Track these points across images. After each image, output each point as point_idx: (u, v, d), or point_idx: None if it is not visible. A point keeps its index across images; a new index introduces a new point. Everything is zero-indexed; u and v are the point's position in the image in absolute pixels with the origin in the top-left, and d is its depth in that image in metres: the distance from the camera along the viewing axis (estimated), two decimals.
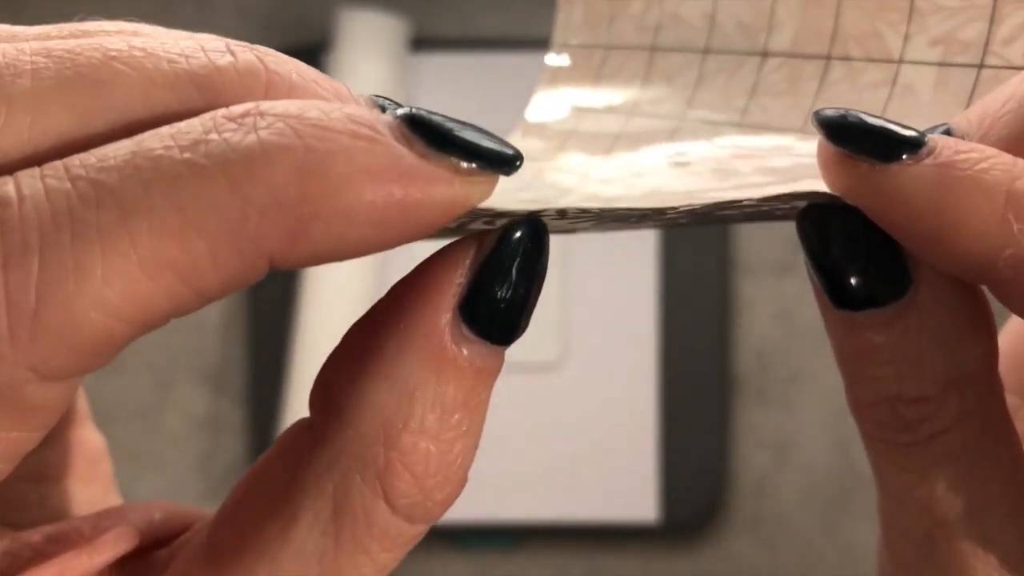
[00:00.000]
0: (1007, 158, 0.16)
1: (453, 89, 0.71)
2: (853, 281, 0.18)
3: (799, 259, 0.75)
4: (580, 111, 0.25)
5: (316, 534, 0.16)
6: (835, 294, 0.18)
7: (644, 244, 0.69)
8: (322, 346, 0.65)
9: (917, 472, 0.18)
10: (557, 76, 0.26)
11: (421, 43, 0.71)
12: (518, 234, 0.17)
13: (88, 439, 0.23)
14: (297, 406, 0.66)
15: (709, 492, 0.71)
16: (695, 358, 0.70)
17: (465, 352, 0.16)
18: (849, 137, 0.17)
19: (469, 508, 0.71)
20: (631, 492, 0.71)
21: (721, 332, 0.70)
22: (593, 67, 0.25)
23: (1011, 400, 0.19)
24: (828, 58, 0.21)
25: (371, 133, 0.15)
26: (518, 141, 0.25)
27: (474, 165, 0.15)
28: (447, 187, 0.15)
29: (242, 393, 0.71)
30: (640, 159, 0.23)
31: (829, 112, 0.17)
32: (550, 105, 0.26)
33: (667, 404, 0.70)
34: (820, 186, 0.18)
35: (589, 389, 0.70)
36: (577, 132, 0.24)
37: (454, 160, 0.15)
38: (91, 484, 0.22)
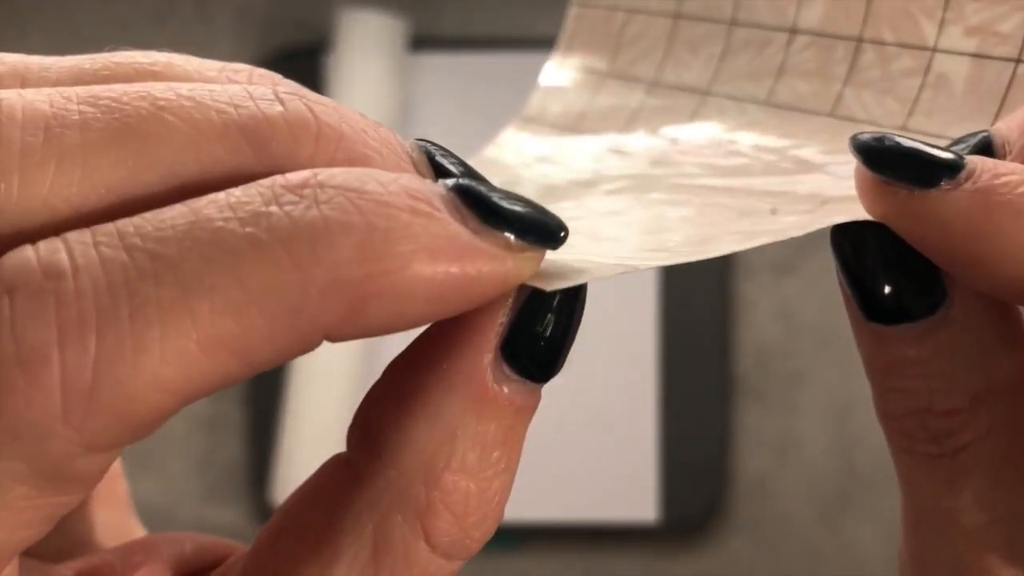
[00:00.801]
0: None
1: (453, 89, 0.71)
2: (886, 295, 0.18)
3: (800, 259, 0.75)
4: (599, 77, 0.24)
5: (356, 574, 0.16)
6: (867, 307, 0.18)
7: None
8: (322, 346, 0.65)
9: (945, 483, 0.18)
10: (575, 36, 0.25)
11: (421, 43, 0.71)
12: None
13: None
14: (297, 406, 0.66)
15: (709, 492, 0.71)
16: (695, 358, 0.70)
17: (506, 391, 0.16)
18: (886, 163, 0.17)
19: None
20: (631, 492, 0.71)
21: (721, 332, 0.70)
22: (613, 30, 0.24)
23: None
24: (859, 40, 0.21)
25: (429, 210, 0.15)
26: (532, 115, 0.25)
27: (524, 241, 0.16)
28: (500, 264, 0.15)
29: (242, 393, 0.71)
30: (583, 145, 0.23)
31: (865, 137, 0.17)
32: (566, 70, 0.25)
33: (667, 404, 0.70)
34: (808, 203, 0.18)
35: (589, 389, 0.70)
36: (592, 108, 0.24)
37: (506, 235, 0.16)
38: (109, 507, 0.22)
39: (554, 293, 0.17)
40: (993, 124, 0.18)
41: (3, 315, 0.14)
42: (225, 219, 0.15)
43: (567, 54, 0.25)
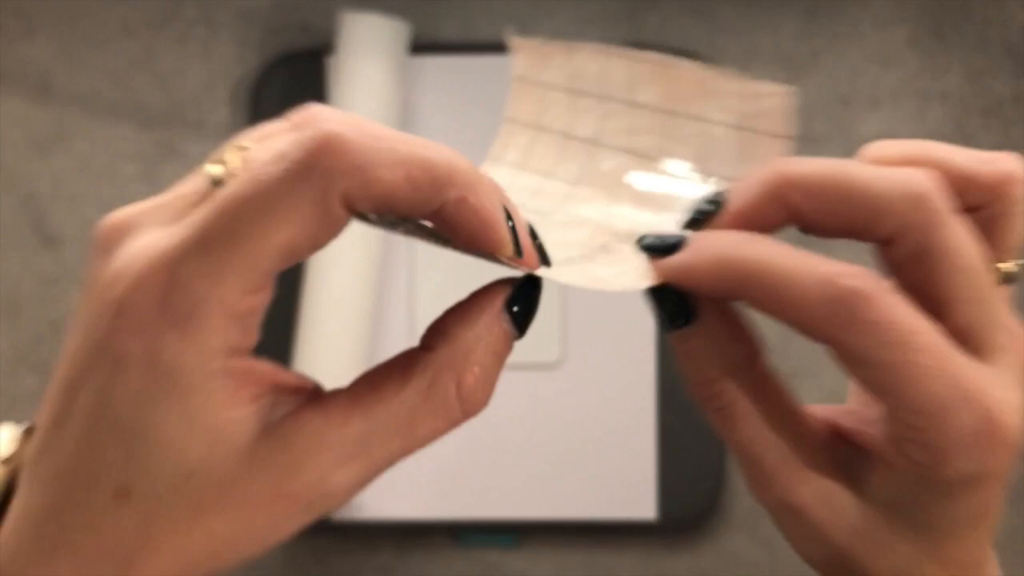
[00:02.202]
0: (724, 234, 0.29)
1: (453, 90, 0.72)
2: (666, 315, 0.30)
3: None
4: (531, 136, 0.36)
5: (414, 394, 0.28)
6: (665, 324, 0.31)
7: None
8: (322, 348, 0.66)
9: (728, 427, 0.31)
10: (516, 113, 0.36)
11: (422, 48, 0.71)
12: (527, 282, 0.30)
13: None
14: None
15: (707, 491, 0.72)
16: None
17: (505, 325, 0.29)
18: (652, 249, 0.30)
19: (475, 507, 0.71)
20: (632, 491, 0.71)
21: None
22: (520, 159, 0.36)
23: (857, 403, 0.33)
24: (674, 113, 0.33)
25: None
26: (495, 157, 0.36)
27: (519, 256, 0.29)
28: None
29: None
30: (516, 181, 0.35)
31: (647, 239, 0.30)
32: (512, 137, 0.37)
33: (667, 404, 0.70)
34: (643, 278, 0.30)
35: (590, 390, 0.71)
36: (529, 159, 0.36)
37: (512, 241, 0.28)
38: None
39: (526, 288, 0.30)
40: (750, 167, 0.32)
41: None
42: None
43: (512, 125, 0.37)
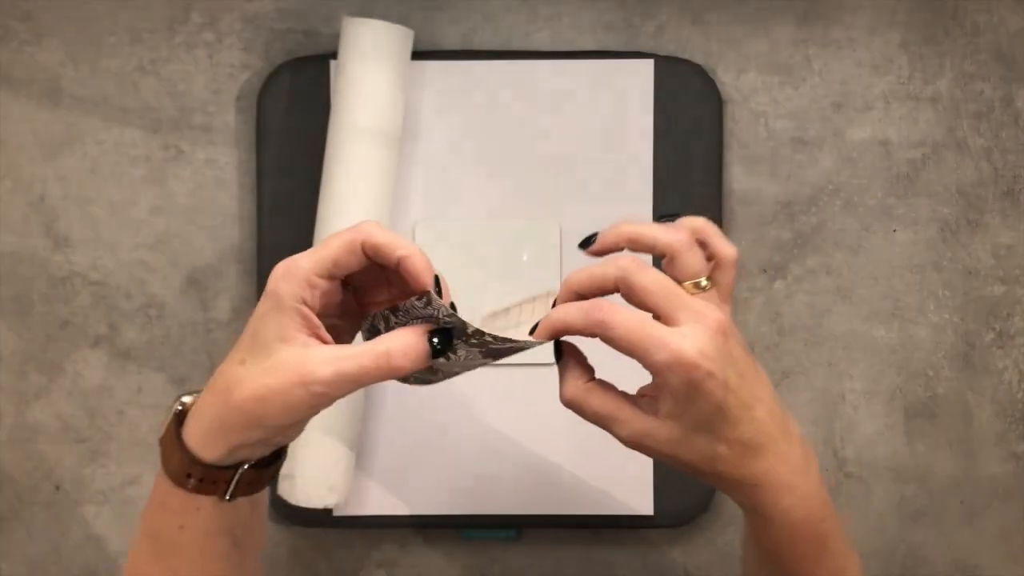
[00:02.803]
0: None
1: (453, 93, 0.73)
2: (555, 356, 0.55)
3: (790, 261, 0.75)
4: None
5: (370, 347, 0.50)
6: (557, 360, 0.55)
7: None
8: None
9: (587, 404, 0.53)
10: None
11: (423, 54, 0.72)
12: (444, 329, 0.51)
13: None
14: None
15: (701, 488, 0.73)
16: None
17: (424, 342, 0.51)
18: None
19: (477, 502, 0.72)
20: (629, 488, 0.72)
21: None
22: None
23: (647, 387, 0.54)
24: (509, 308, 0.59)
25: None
26: None
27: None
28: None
29: None
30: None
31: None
32: None
33: None
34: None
35: None
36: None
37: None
38: None
39: (443, 329, 0.51)
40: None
41: None
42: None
43: None
